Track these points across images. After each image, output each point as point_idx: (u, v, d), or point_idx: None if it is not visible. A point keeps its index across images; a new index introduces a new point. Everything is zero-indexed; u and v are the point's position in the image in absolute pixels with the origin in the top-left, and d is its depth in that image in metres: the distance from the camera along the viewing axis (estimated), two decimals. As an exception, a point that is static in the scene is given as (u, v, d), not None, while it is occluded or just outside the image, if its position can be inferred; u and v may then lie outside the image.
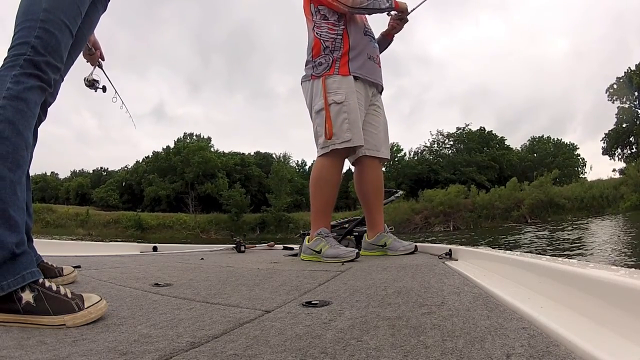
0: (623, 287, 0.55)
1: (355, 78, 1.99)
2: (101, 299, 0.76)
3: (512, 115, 68.87)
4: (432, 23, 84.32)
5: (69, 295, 0.74)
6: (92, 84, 1.46)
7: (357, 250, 1.81)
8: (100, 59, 1.44)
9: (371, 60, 2.06)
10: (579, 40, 72.94)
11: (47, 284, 0.75)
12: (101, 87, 1.50)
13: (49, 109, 1.12)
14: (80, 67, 1.36)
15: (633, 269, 0.69)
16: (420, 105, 78.06)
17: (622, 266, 0.78)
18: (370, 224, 2.14)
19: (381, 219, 2.13)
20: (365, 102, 2.05)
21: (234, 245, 2.77)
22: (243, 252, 2.71)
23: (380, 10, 2.05)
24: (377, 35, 2.21)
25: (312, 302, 0.87)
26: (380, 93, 2.20)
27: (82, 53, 1.33)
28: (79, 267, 1.50)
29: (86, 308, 0.73)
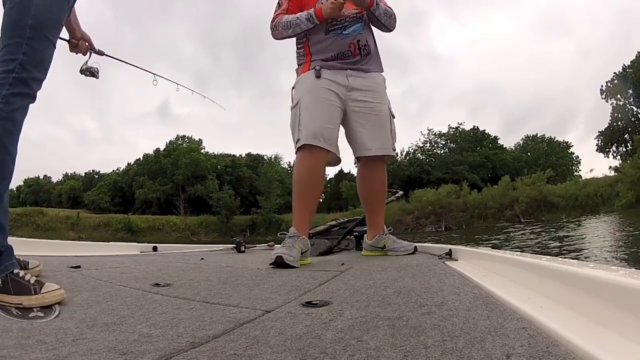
0: (623, 287, 0.55)
1: (319, 71, 1.86)
2: (60, 288, 0.88)
3: (516, 113, 69.06)
4: (442, 18, 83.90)
5: (31, 281, 0.87)
6: (87, 71, 1.52)
7: (278, 255, 1.58)
8: (91, 50, 1.50)
9: (336, 60, 1.89)
10: (584, 39, 72.86)
11: (15, 271, 0.88)
12: (96, 71, 1.54)
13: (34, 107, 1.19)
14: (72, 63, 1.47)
15: (633, 269, 0.69)
16: (427, 103, 77.87)
17: (621, 266, 0.78)
18: (369, 225, 2.10)
19: (380, 221, 2.09)
20: (341, 92, 1.88)
21: (234, 245, 2.77)
22: (243, 252, 2.71)
23: (305, 30, 1.87)
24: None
25: (312, 302, 0.87)
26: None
27: (68, 49, 1.43)
28: (79, 267, 1.51)
29: (42, 293, 0.84)
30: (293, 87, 1.98)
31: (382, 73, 2.03)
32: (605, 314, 0.57)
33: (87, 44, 1.47)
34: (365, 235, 2.15)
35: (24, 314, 0.77)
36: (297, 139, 1.84)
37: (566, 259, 0.86)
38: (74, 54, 1.46)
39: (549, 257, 0.94)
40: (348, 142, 1.99)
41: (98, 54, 1.53)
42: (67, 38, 1.42)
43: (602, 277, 0.61)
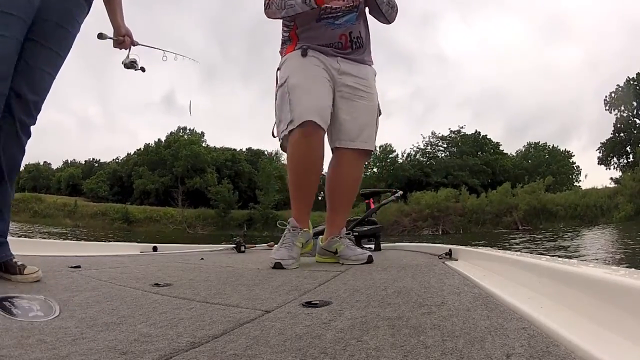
0: (623, 287, 0.55)
1: (306, 50, 1.71)
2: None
3: (521, 120, 68.84)
4: (451, 21, 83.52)
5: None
6: (131, 65, 1.58)
7: (277, 260, 1.53)
8: (132, 45, 1.56)
9: (326, 47, 1.75)
10: (593, 50, 72.55)
11: None
12: (140, 68, 1.60)
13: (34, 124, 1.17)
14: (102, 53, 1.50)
15: (633, 269, 0.69)
16: (433, 105, 77.42)
17: (621, 266, 0.78)
18: (328, 223, 1.86)
19: (342, 222, 1.87)
20: (331, 74, 1.73)
21: (234, 245, 2.77)
22: (243, 252, 2.71)
23: (299, 13, 1.67)
24: None
25: (312, 302, 0.87)
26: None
27: (113, 44, 1.49)
28: (79, 267, 1.51)
29: None
30: (278, 69, 1.80)
31: (372, 66, 1.88)
32: (605, 314, 0.57)
33: (130, 39, 1.51)
34: (321, 237, 1.91)
35: (24, 313, 0.77)
36: (290, 119, 1.61)
37: (566, 259, 0.87)
38: (118, 49, 1.52)
39: (548, 257, 0.94)
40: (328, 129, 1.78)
41: (134, 45, 1.57)
42: (112, 36, 1.47)
43: (602, 277, 0.61)
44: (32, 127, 1.17)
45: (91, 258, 1.96)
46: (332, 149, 1.81)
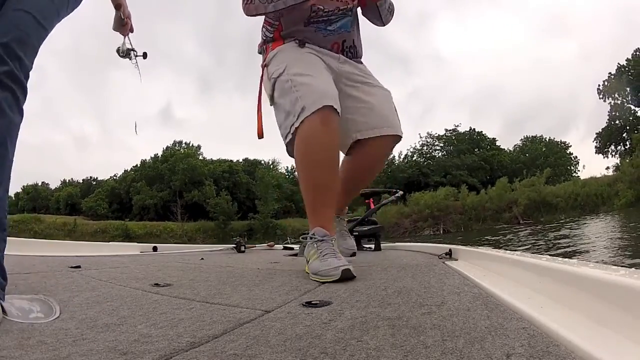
0: (623, 287, 0.55)
1: (302, 42, 1.52)
2: None
3: (520, 116, 69.35)
4: (446, 20, 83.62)
5: None
6: (127, 53, 1.45)
7: (344, 267, 1.18)
8: (130, 31, 1.41)
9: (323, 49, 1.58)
10: (588, 42, 72.70)
11: None
12: (141, 54, 1.47)
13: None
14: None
15: (633, 268, 0.69)
16: (431, 106, 77.68)
17: (621, 266, 0.78)
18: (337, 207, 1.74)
19: (348, 202, 1.90)
20: (332, 64, 1.55)
21: (234, 245, 2.77)
22: (243, 252, 2.71)
23: (290, 6, 1.41)
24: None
25: (312, 302, 0.87)
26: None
27: (113, 26, 1.32)
28: (79, 267, 1.51)
29: None
30: (266, 65, 1.55)
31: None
32: (605, 314, 0.57)
33: (130, 22, 1.35)
34: None
35: (25, 314, 0.77)
36: (301, 107, 1.33)
37: (566, 259, 0.87)
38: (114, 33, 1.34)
39: (549, 257, 0.94)
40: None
41: (131, 32, 1.42)
42: (118, 15, 1.29)
43: (602, 277, 0.61)
44: (19, 87, 0.81)
45: (91, 258, 1.96)
46: (347, 147, 1.62)
